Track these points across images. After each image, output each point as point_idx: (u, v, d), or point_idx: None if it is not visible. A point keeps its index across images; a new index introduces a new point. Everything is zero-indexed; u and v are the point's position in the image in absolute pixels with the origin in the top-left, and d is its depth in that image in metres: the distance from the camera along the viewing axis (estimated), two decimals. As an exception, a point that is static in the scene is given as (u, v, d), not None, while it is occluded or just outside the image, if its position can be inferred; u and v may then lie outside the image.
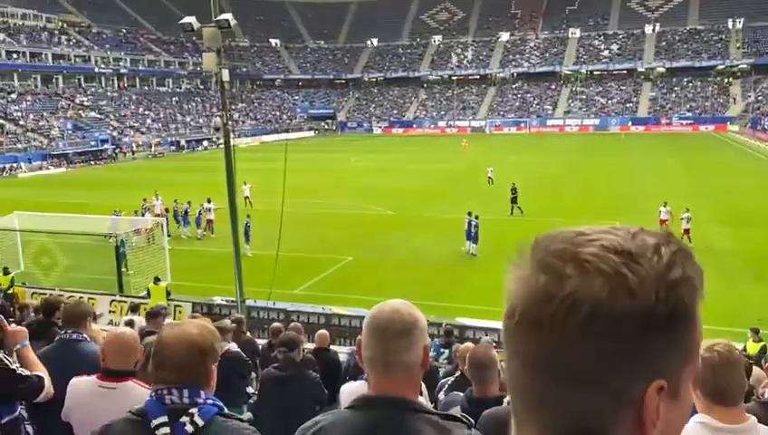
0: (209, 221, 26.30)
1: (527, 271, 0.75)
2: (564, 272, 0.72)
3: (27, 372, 3.60)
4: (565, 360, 0.71)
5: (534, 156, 55.01)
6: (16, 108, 66.30)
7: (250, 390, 6.69)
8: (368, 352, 1.60)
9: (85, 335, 4.12)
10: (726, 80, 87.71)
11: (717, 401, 2.15)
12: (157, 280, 16.48)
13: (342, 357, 9.27)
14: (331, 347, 8.97)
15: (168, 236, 22.32)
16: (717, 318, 15.77)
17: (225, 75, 13.02)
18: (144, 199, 28.45)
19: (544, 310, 0.72)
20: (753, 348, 11.35)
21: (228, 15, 12.52)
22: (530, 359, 0.74)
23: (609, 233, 0.76)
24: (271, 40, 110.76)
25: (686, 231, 22.36)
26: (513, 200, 28.77)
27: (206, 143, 73.04)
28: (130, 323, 9.42)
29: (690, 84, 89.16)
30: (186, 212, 26.38)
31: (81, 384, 3.21)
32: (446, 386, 3.94)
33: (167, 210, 26.95)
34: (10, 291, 15.52)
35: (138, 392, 3.00)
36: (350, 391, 3.23)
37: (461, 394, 3.20)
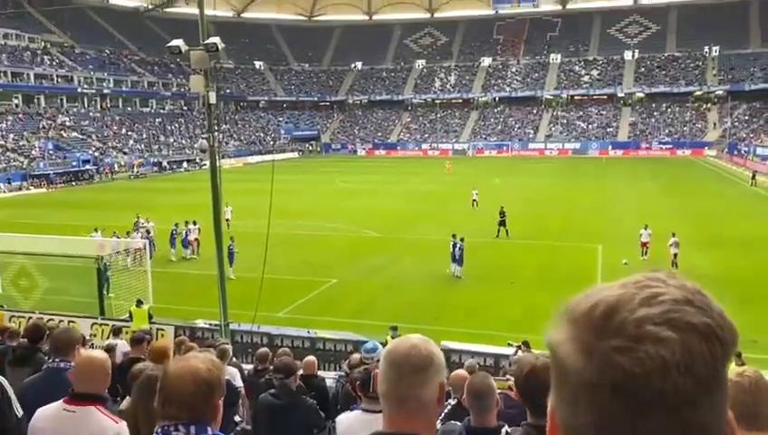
0: (190, 243, 26.16)
1: (622, 345, 0.72)
2: (669, 336, 0.71)
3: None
4: (689, 421, 0.71)
5: (517, 178, 55.53)
6: (-4, 127, 65.60)
7: (237, 418, 6.57)
8: (383, 386, 1.59)
9: (73, 364, 4.03)
10: (704, 105, 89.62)
11: (750, 426, 2.17)
12: (139, 303, 16.25)
13: (329, 383, 9.16)
14: (318, 372, 8.87)
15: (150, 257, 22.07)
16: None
17: (213, 98, 13.01)
18: (135, 221, 28.16)
19: (666, 380, 0.70)
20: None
21: (216, 39, 12.56)
22: (654, 432, 0.72)
23: (651, 286, 0.77)
24: (256, 62, 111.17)
25: (674, 256, 22.41)
26: (502, 223, 28.91)
27: (186, 164, 72.70)
28: (111, 350, 9.21)
29: (669, 109, 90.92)
30: (173, 234, 26.05)
31: (47, 410, 3.15)
32: (443, 415, 3.90)
33: (148, 231, 26.66)
34: (-13, 314, 15.19)
35: (97, 419, 2.93)
36: (348, 422, 3.20)
37: (458, 423, 3.18)
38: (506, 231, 28.79)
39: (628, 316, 0.73)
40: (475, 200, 37.21)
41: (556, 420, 0.79)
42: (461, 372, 5.22)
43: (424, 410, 1.59)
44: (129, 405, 3.39)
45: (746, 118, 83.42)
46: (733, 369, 2.31)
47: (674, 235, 22.88)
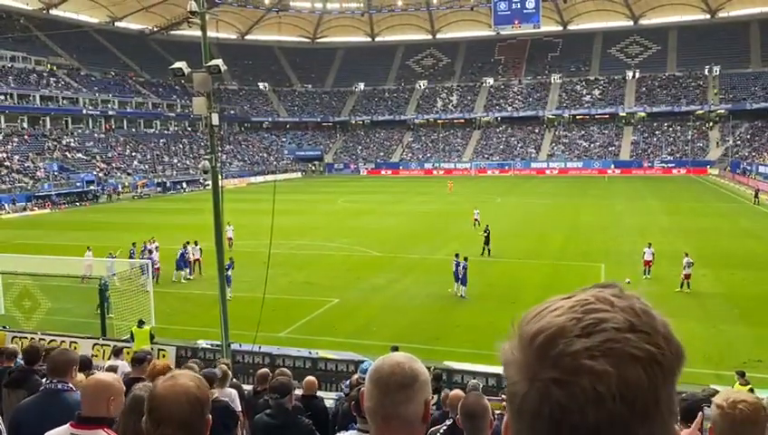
0: (190, 263, 26.14)
1: (559, 378, 0.73)
2: (605, 370, 0.72)
3: None
4: None
5: (519, 198, 55.57)
6: (2, 149, 66.04)
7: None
8: (369, 404, 1.61)
9: (70, 385, 4.03)
10: (706, 124, 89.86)
11: None
12: (141, 323, 16.23)
13: (329, 403, 9.11)
14: (319, 392, 8.83)
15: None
16: (704, 361, 15.78)
17: (215, 119, 13.13)
18: (151, 240, 28.11)
19: (600, 413, 0.71)
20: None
21: (219, 61, 12.71)
22: None
23: (597, 310, 0.78)
24: (259, 84, 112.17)
25: (687, 277, 22.06)
26: (486, 241, 28.90)
27: (185, 184, 72.92)
28: (113, 370, 9.23)
29: (670, 129, 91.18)
30: (182, 255, 25.95)
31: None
32: (438, 436, 3.89)
33: (150, 251, 26.58)
34: (-11, 335, 15.20)
35: None
36: (342, 441, 3.18)
37: (453, 444, 3.18)
38: (489, 250, 28.70)
39: (565, 349, 0.74)
40: (476, 220, 37.12)
41: (509, 432, 0.81)
42: (458, 392, 5.21)
43: (410, 428, 1.60)
44: (117, 425, 3.37)
45: (748, 137, 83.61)
46: (728, 396, 2.27)
47: (687, 255, 22.59)
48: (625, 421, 0.72)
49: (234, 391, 7.58)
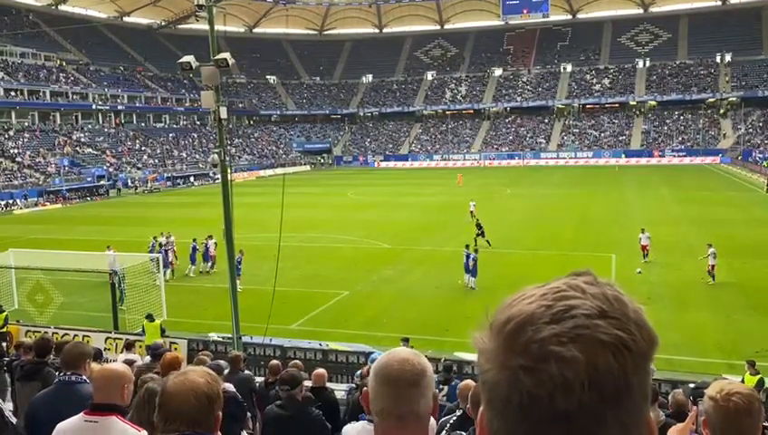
0: (211, 257, 26.15)
1: (527, 365, 0.73)
2: (573, 356, 0.72)
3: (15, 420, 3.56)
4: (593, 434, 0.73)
5: (529, 189, 55.33)
6: (13, 144, 66.55)
7: (244, 434, 6.53)
8: (378, 404, 1.54)
9: (84, 377, 4.08)
10: (722, 110, 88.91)
11: None
12: (150, 317, 16.29)
13: (340, 395, 9.14)
14: (329, 384, 8.87)
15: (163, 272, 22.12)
16: (716, 350, 15.72)
17: (224, 113, 13.15)
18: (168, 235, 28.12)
19: (568, 400, 0.71)
20: (749, 381, 11.28)
21: (227, 55, 12.71)
22: None
23: (568, 297, 0.78)
24: (268, 77, 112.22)
25: (712, 267, 21.88)
26: (480, 234, 28.54)
27: (192, 178, 73.07)
28: (130, 364, 9.29)
29: (681, 117, 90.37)
30: (194, 249, 25.98)
31: (67, 423, 3.18)
32: (448, 426, 3.89)
33: (161, 245, 26.66)
34: (4, 329, 15.35)
35: (119, 428, 3.01)
36: (353, 432, 3.18)
37: (464, 434, 3.17)
38: (488, 242, 28.28)
39: (533, 335, 0.74)
40: (472, 212, 36.44)
41: (483, 420, 0.81)
42: (468, 381, 5.20)
43: (420, 424, 1.57)
44: (131, 415, 3.43)
45: (760, 125, 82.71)
46: (722, 388, 2.22)
47: (710, 246, 22.37)
48: (594, 408, 0.71)
49: (229, 384, 7.61)
